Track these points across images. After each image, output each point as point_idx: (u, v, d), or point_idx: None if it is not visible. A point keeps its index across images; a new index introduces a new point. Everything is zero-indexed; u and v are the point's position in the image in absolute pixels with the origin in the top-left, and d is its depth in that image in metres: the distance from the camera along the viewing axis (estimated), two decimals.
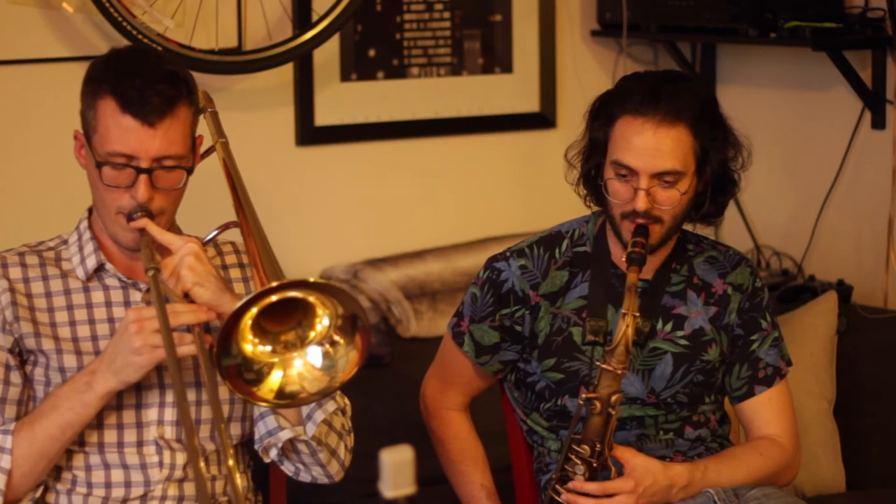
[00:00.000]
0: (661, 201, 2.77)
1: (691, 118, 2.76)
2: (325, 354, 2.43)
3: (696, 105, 2.78)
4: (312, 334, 2.44)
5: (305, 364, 2.43)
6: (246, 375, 2.40)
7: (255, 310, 2.35)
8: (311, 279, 2.40)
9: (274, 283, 2.34)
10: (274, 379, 2.42)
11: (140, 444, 2.63)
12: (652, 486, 2.74)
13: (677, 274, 2.91)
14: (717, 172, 2.82)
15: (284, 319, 2.43)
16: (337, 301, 2.40)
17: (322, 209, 3.99)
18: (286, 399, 2.44)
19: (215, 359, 2.35)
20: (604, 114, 2.83)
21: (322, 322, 2.42)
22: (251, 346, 2.41)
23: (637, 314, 2.70)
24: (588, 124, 2.87)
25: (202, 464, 2.56)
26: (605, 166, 2.82)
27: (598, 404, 2.71)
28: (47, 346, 2.61)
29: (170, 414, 2.64)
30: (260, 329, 2.41)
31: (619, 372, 2.70)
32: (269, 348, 2.43)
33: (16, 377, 2.61)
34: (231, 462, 2.39)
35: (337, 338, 2.42)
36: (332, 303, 2.40)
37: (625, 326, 2.69)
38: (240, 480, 2.41)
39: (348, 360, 2.42)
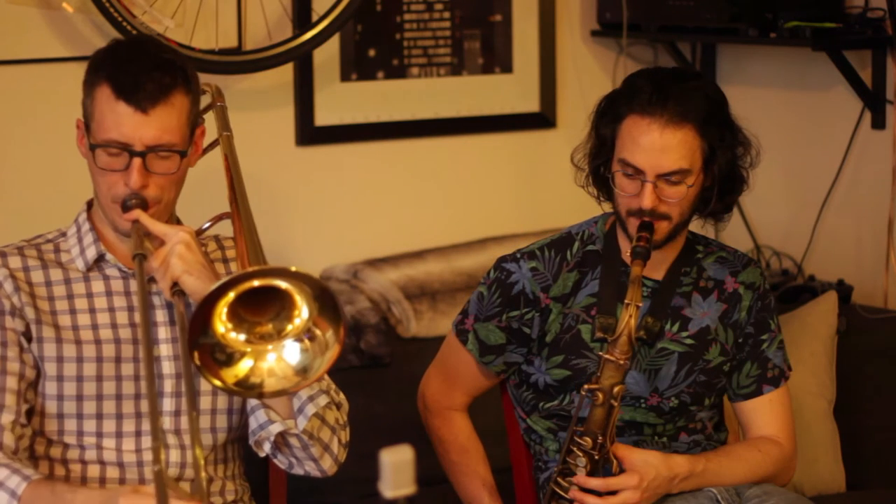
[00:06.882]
0: (669, 195, 2.76)
1: (699, 118, 2.76)
2: (303, 350, 2.40)
3: (704, 105, 2.78)
4: (290, 327, 2.41)
5: (279, 359, 2.40)
6: (217, 356, 2.36)
7: (232, 294, 2.33)
8: (293, 268, 2.36)
9: (253, 268, 2.31)
10: (242, 367, 2.39)
11: (138, 451, 2.65)
12: (655, 479, 2.75)
13: (688, 276, 2.92)
14: (724, 170, 2.82)
15: (262, 310, 2.39)
16: (314, 294, 2.36)
17: (322, 209, 3.99)
18: (244, 389, 2.39)
19: (187, 336, 2.32)
20: (611, 112, 2.83)
21: (301, 316, 2.39)
22: (224, 328, 2.37)
23: (640, 304, 2.70)
24: (595, 122, 2.87)
25: (202, 462, 2.56)
26: (612, 162, 2.82)
27: (600, 395, 2.71)
28: (47, 333, 2.61)
29: (167, 423, 2.65)
30: (237, 317, 2.38)
31: (622, 362, 2.70)
32: (242, 337, 2.39)
33: (29, 359, 2.60)
34: (198, 450, 2.33)
35: (316, 331, 2.39)
36: (309, 297, 2.36)
37: (627, 316, 2.69)
38: (204, 474, 2.41)
39: (324, 360, 2.39)
